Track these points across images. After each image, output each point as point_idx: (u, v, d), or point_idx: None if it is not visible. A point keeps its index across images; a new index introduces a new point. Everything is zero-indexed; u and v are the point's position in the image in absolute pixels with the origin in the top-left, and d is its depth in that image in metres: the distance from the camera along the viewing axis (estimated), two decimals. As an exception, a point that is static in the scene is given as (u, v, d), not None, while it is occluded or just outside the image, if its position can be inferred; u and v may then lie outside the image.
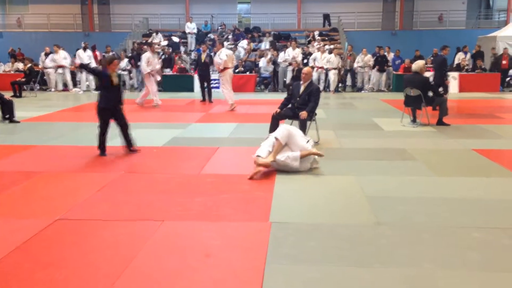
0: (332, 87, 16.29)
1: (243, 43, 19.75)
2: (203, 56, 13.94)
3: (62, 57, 16.76)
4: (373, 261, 3.38)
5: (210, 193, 4.99)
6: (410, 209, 4.48)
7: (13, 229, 3.99)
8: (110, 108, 6.60)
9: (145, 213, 4.37)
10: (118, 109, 6.68)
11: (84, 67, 7.96)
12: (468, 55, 17.92)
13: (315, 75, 15.66)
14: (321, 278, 3.14)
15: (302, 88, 7.49)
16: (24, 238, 3.78)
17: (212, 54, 14.23)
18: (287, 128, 5.92)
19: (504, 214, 4.35)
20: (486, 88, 16.16)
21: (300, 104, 7.41)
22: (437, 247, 3.62)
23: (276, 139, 5.73)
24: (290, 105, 7.64)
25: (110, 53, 16.64)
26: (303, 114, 7.16)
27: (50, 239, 3.79)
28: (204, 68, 13.86)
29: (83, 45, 17.16)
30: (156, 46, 20.06)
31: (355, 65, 16.95)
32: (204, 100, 13.81)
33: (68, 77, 16.98)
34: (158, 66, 12.93)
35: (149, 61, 12.36)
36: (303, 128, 7.03)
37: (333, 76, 16.26)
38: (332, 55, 16.31)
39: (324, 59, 16.39)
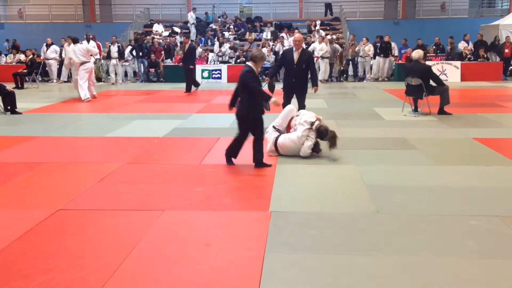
0: (321, 77, 15.95)
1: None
2: (186, 47, 14.08)
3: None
4: (372, 249, 3.41)
5: (210, 182, 5.02)
6: (409, 197, 4.50)
7: (16, 219, 4.04)
8: None
9: (145, 203, 4.40)
10: None
11: None
12: (470, 44, 17.80)
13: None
14: (320, 266, 3.17)
15: (295, 55, 7.37)
16: (27, 228, 3.82)
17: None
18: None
19: (503, 202, 4.37)
20: (489, 77, 16.09)
21: (297, 72, 7.36)
22: (435, 235, 3.65)
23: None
24: (285, 78, 7.62)
25: (116, 44, 16.52)
26: (316, 89, 7.81)
27: (52, 229, 3.83)
28: (185, 59, 14.04)
29: (86, 36, 17.10)
30: (158, 36, 20.06)
31: (361, 52, 16.79)
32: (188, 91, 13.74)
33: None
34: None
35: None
36: (301, 107, 7.30)
37: (323, 65, 16.11)
38: (323, 44, 16.08)
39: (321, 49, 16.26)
